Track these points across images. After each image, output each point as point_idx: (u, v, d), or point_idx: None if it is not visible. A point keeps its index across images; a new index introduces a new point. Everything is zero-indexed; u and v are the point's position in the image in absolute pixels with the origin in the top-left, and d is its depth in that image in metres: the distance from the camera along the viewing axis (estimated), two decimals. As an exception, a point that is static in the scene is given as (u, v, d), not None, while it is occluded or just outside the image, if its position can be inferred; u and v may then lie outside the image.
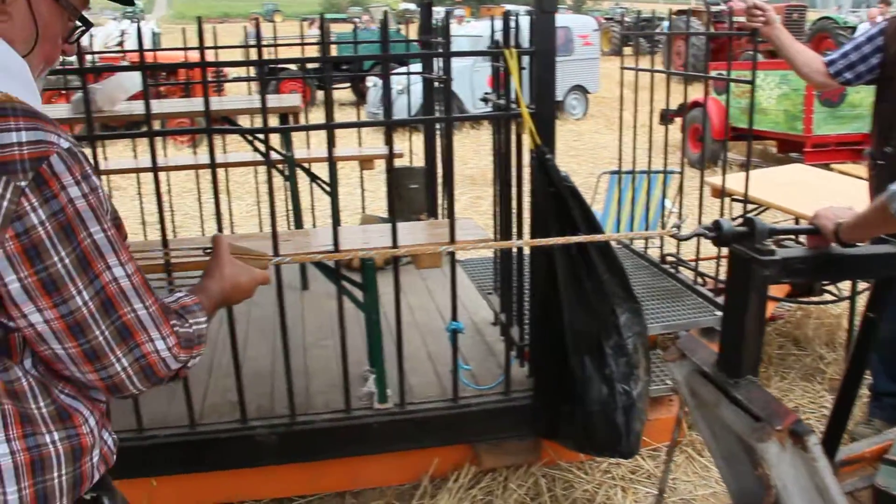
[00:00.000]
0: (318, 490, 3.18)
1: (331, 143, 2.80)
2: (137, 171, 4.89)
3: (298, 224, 4.47)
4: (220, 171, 9.02)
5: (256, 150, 4.36)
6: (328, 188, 4.61)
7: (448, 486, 3.14)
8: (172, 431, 2.99)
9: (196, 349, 1.31)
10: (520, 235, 3.17)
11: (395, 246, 2.80)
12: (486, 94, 3.48)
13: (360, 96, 14.71)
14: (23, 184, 1.09)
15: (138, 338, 1.22)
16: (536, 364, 3.11)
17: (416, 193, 4.58)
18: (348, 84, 17.02)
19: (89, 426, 1.27)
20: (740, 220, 2.04)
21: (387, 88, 2.64)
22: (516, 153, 3.06)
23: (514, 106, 2.88)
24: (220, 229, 2.80)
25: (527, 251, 3.21)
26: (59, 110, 4.14)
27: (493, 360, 3.47)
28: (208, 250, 1.59)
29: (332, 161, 2.85)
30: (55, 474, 1.21)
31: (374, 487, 3.20)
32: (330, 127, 2.76)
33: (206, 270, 1.53)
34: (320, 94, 17.01)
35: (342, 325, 2.92)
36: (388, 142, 2.80)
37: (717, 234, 2.02)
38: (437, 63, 4.57)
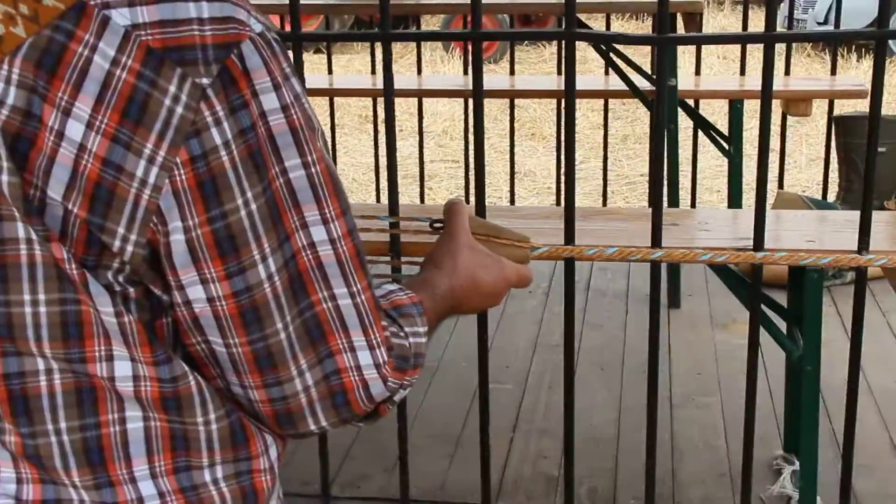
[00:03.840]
0: None
1: (776, 64, 2.53)
2: (420, 94, 5.05)
3: (675, 198, 4.44)
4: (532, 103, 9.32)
5: (616, 70, 4.32)
6: (726, 142, 4.53)
7: None
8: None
9: (410, 374, 1.30)
10: None
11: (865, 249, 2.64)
12: None
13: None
14: (205, 81, 1.09)
15: (333, 342, 1.21)
16: None
17: (884, 163, 4.37)
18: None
19: (269, 460, 1.28)
20: None
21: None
22: None
23: None
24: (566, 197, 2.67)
25: None
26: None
27: None
28: (437, 225, 1.64)
29: (767, 97, 2.57)
30: None
31: None
32: (772, 39, 2.57)
33: (430, 255, 1.54)
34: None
35: (753, 377, 2.77)
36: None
37: None
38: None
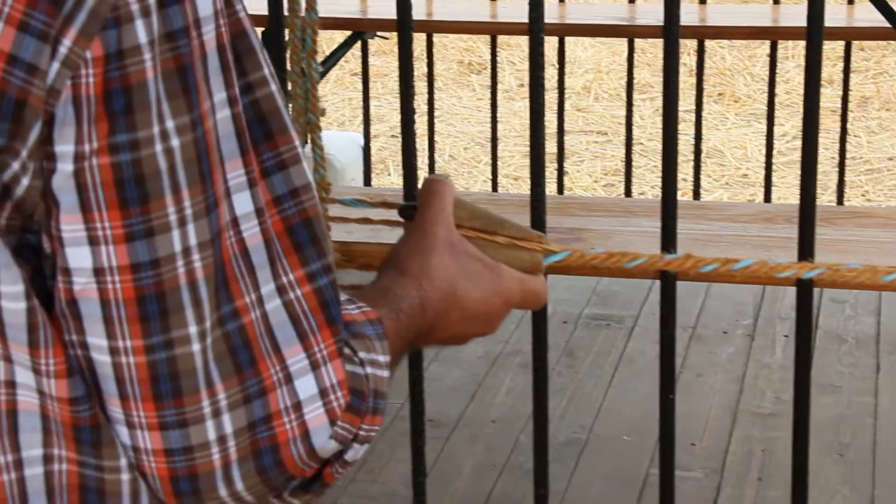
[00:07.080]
0: None
1: None
2: (562, 31, 5.08)
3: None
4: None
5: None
6: None
7: None
8: None
9: (368, 421, 1.33)
10: None
11: None
12: None
13: None
14: None
15: (265, 372, 1.24)
16: None
17: None
18: None
19: None
20: None
21: None
22: None
23: None
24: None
25: None
26: None
27: None
28: (408, 211, 1.74)
29: None
30: None
31: None
32: None
33: (391, 255, 1.61)
34: None
35: None
36: None
37: None
38: None
